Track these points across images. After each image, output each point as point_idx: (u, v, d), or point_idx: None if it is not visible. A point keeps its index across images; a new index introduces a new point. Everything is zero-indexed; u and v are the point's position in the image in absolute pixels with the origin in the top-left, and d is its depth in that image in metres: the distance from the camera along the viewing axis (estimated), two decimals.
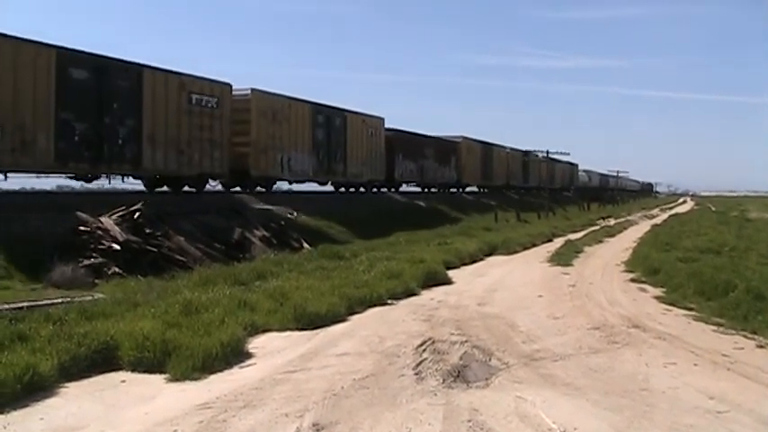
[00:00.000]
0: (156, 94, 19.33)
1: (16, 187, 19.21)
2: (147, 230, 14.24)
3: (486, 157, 48.40)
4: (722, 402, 6.22)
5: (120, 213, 14.29)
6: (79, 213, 13.83)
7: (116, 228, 13.56)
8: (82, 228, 13.47)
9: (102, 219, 13.81)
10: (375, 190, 34.23)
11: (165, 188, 21.88)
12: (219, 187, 24.43)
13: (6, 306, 8.81)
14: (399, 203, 33.90)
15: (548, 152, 51.86)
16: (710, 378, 7.08)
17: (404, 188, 38.11)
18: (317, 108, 27.58)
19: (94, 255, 12.89)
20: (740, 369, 7.44)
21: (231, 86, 22.42)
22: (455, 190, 44.73)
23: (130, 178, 20.38)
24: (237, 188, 24.57)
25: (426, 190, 40.64)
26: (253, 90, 23.69)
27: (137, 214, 14.32)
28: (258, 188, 25.34)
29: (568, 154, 61.32)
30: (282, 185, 28.64)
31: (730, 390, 6.64)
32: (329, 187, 31.10)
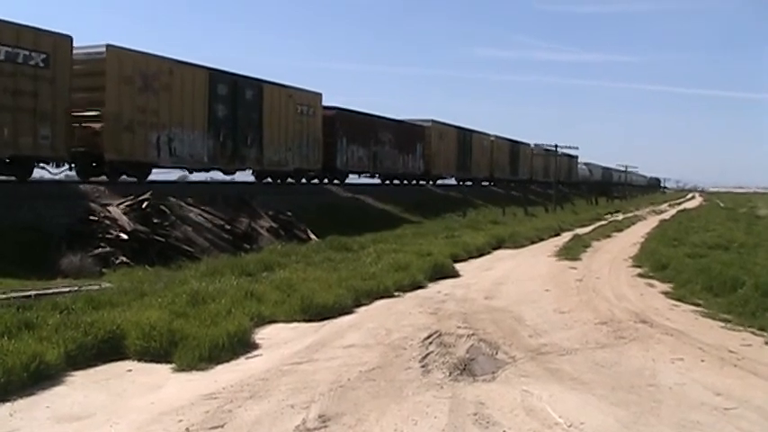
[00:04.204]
0: None
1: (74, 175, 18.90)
2: (155, 220, 14.27)
3: (463, 144, 43.15)
4: (729, 399, 6.19)
5: (129, 203, 14.33)
6: (87, 202, 13.89)
7: (124, 217, 13.60)
8: (90, 217, 13.52)
9: (111, 208, 13.85)
10: (316, 181, 29.20)
11: None
12: (69, 174, 18.92)
13: (14, 294, 8.84)
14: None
15: (556, 146, 51.55)
16: (718, 374, 7.04)
17: (358, 179, 32.87)
18: (217, 76, 21.98)
19: (102, 244, 12.93)
20: (748, 366, 7.40)
21: (71, 39, 16.85)
22: (424, 182, 39.28)
23: None
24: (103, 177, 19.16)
25: (389, 182, 35.83)
26: (109, 47, 18.11)
27: (145, 204, 14.36)
28: (125, 177, 19.83)
29: (577, 148, 60.42)
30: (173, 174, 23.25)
31: (738, 386, 6.60)
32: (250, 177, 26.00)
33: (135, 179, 19.82)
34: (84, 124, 17.75)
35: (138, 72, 18.87)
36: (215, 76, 21.89)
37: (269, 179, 26.83)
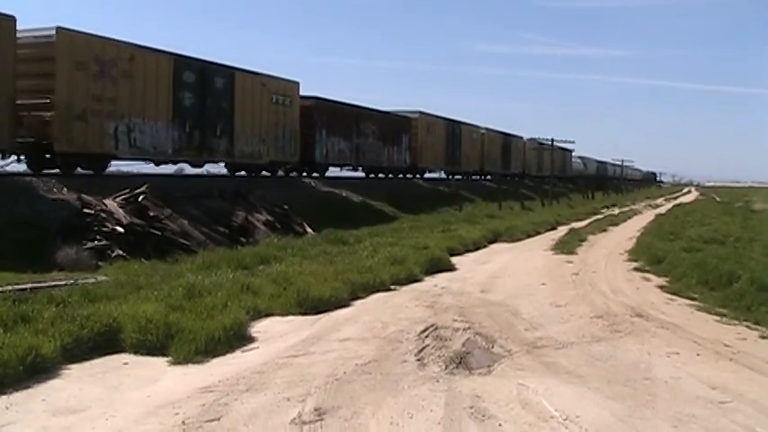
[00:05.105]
0: None
1: (21, 169, 18.96)
2: (151, 213, 14.22)
3: (451, 137, 41.31)
4: (724, 392, 6.21)
5: (125, 196, 14.28)
6: (83, 196, 13.85)
7: (120, 210, 13.56)
8: (86, 210, 13.48)
9: (107, 201, 13.80)
10: (295, 174, 27.93)
11: None
12: (19, 167, 17.79)
13: (10, 287, 8.81)
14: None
15: (552, 140, 51.46)
16: (713, 368, 7.07)
17: (340, 172, 31.14)
18: (183, 62, 20.43)
19: (98, 237, 12.89)
20: (743, 359, 7.42)
21: (14, 20, 15.18)
22: (411, 176, 37.68)
23: None
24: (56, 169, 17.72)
25: (374, 175, 34.54)
26: (60, 29, 16.52)
27: (141, 197, 14.31)
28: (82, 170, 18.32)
29: (573, 142, 60.00)
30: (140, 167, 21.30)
31: (733, 380, 6.63)
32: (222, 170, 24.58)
33: (91, 172, 18.48)
34: (32, 113, 16.28)
35: (93, 57, 17.34)
36: (181, 62, 20.32)
37: (243, 172, 25.40)
